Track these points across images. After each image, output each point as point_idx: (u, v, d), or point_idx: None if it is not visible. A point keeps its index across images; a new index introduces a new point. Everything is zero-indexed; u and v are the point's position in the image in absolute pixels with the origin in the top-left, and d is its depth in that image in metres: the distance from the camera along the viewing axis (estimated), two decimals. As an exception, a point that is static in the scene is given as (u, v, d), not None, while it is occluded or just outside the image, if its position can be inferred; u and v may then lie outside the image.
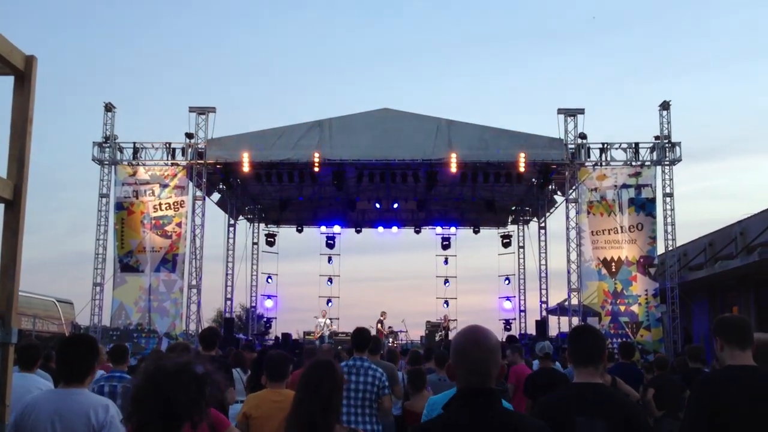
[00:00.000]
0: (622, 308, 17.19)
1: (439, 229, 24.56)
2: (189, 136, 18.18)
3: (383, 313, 20.56)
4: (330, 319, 22.71)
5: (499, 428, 2.05)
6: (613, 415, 2.74)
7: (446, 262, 24.65)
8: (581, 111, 17.94)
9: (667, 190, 17.74)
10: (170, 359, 2.36)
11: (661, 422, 7.91)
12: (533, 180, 19.96)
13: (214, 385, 2.40)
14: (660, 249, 17.97)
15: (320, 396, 2.84)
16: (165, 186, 18.03)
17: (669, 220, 17.72)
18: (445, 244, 24.48)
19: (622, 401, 2.90)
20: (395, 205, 22.49)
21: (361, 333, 6.01)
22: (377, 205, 22.59)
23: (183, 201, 18.11)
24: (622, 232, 17.50)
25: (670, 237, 17.75)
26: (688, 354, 9.19)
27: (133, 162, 18.23)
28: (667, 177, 17.76)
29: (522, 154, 17.51)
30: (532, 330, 22.19)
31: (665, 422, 7.86)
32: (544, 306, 22.40)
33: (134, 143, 18.33)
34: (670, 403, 7.88)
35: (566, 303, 18.76)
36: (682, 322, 18.01)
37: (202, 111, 18.29)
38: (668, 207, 17.76)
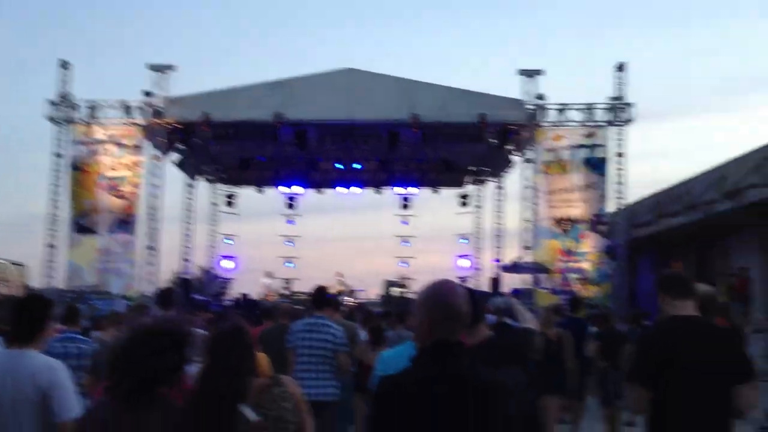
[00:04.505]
0: (573, 265, 17.82)
1: (399, 190, 24.69)
2: (147, 94, 17.71)
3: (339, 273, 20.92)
4: (283, 279, 22.98)
5: (468, 381, 2.04)
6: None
7: (406, 222, 24.88)
8: (540, 72, 18.10)
9: (620, 150, 18.15)
10: (151, 323, 2.44)
11: (605, 374, 8.36)
12: (493, 140, 20.18)
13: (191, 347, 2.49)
14: (611, 207, 18.54)
15: (229, 365, 2.66)
16: (121, 146, 17.63)
17: (620, 179, 18.22)
18: (405, 204, 24.64)
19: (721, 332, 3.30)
20: (357, 166, 22.47)
21: (319, 291, 6.01)
22: (339, 166, 22.54)
23: (140, 161, 17.76)
24: (576, 191, 17.98)
25: (620, 196, 18.30)
26: (632, 319, 9.77)
27: (89, 121, 17.71)
28: (619, 137, 18.15)
29: (482, 115, 17.66)
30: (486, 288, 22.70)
31: (610, 374, 8.30)
32: (498, 264, 22.93)
33: (90, 101, 17.78)
34: (614, 355, 8.31)
35: (520, 260, 19.28)
36: (630, 279, 18.75)
37: (162, 69, 17.78)
38: (620, 167, 18.22)
